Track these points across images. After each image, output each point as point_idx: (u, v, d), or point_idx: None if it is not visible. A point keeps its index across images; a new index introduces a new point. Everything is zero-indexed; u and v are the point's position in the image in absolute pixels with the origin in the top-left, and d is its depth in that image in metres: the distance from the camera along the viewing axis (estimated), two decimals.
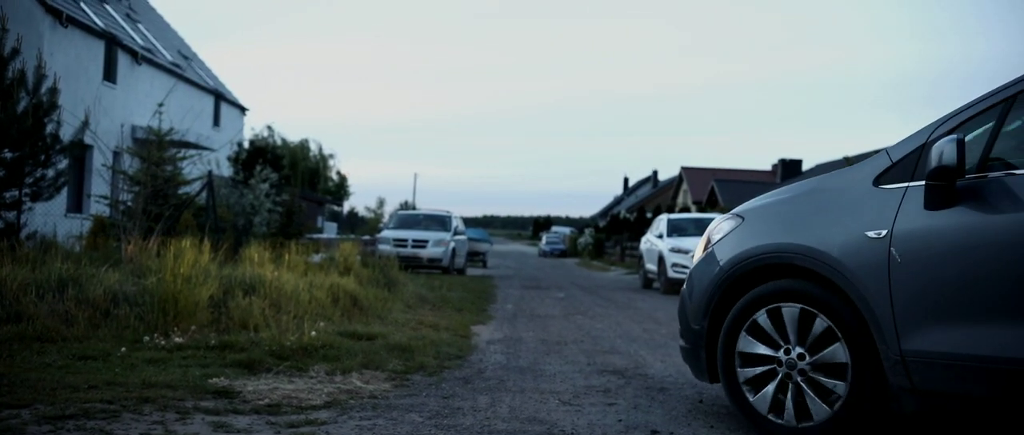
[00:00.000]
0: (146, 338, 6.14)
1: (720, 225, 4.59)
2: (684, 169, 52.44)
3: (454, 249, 21.71)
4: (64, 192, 13.30)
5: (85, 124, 11.97)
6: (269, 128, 58.91)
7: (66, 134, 12.01)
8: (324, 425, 4.04)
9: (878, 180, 3.78)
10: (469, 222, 32.71)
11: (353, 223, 70.95)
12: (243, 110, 34.52)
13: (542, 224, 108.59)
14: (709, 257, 4.46)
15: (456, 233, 22.64)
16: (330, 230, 44.45)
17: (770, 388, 3.96)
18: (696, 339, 4.42)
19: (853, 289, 3.65)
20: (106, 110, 18.00)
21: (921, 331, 3.44)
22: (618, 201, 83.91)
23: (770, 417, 3.95)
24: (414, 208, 48.61)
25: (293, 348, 5.95)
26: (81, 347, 5.77)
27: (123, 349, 5.76)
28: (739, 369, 4.11)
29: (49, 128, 11.45)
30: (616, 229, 47.42)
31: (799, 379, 3.85)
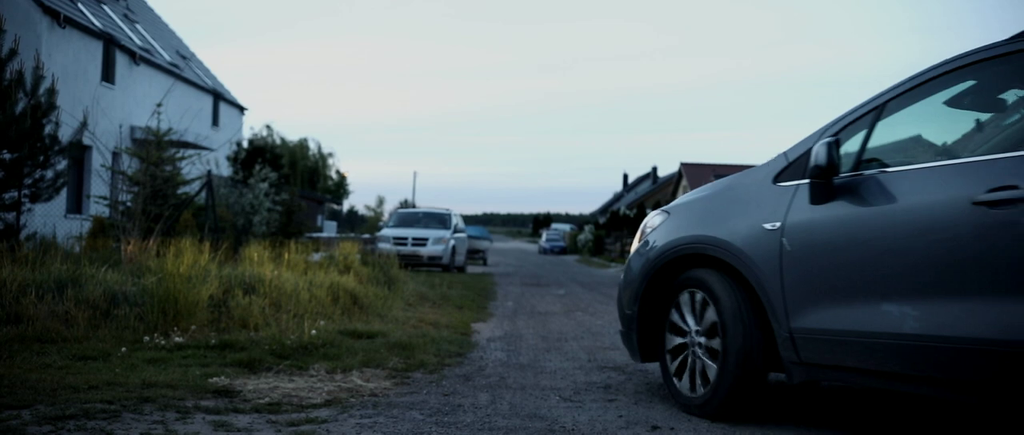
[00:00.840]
0: (146, 338, 6.14)
1: (652, 219, 5.08)
2: (683, 165, 52.46)
3: (454, 247, 21.71)
4: (63, 193, 13.30)
5: (84, 125, 11.97)
6: (268, 127, 58.95)
7: (65, 135, 12.01)
8: (325, 423, 4.04)
9: (776, 178, 4.24)
10: (469, 220, 32.73)
11: (353, 222, 70.98)
12: (242, 110, 34.50)
13: (542, 221, 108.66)
14: (641, 248, 4.97)
15: (456, 231, 22.64)
16: (330, 229, 44.44)
17: (679, 362, 4.60)
18: (629, 322, 4.94)
19: (752, 275, 4.11)
20: (104, 111, 17.99)
21: (805, 311, 3.90)
22: (618, 198, 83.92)
23: (676, 383, 4.60)
24: (414, 206, 48.59)
25: (293, 347, 5.95)
26: (81, 347, 5.77)
27: (123, 349, 5.76)
28: (667, 349, 4.72)
29: (48, 129, 11.44)
30: (616, 226, 47.44)
31: (698, 356, 4.45)
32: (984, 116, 3.87)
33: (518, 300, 12.62)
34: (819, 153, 3.83)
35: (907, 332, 3.47)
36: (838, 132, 4.02)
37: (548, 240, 55.17)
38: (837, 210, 3.83)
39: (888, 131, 3.94)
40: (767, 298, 4.05)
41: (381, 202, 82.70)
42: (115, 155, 14.05)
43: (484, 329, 8.41)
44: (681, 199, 5.00)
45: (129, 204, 11.42)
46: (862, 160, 3.87)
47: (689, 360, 4.50)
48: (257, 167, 18.65)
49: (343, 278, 9.73)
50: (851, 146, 3.97)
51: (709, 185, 4.81)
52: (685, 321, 4.56)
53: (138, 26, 27.84)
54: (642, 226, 5.17)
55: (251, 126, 60.87)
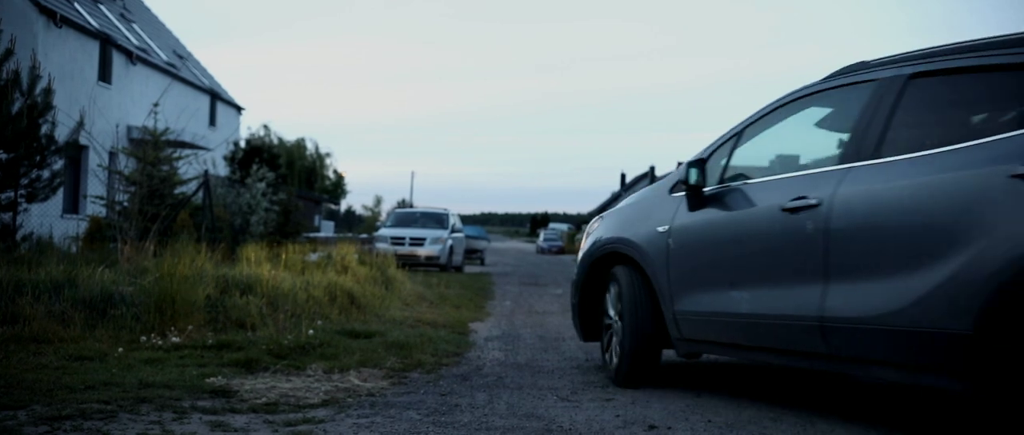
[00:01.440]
0: (143, 338, 6.13)
1: (592, 224, 5.99)
2: (680, 165, 52.45)
3: (452, 247, 21.70)
4: (60, 193, 13.27)
5: (80, 124, 11.95)
6: (265, 127, 58.74)
7: (61, 135, 11.99)
8: (322, 423, 4.03)
9: (671, 190, 5.14)
10: (466, 219, 32.72)
11: (350, 222, 70.95)
12: (239, 109, 34.47)
13: (540, 221, 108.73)
14: (583, 248, 5.89)
15: (453, 230, 22.63)
16: (327, 229, 44.41)
17: (606, 340, 5.61)
18: (574, 309, 5.94)
19: (649, 269, 5.07)
20: (101, 110, 17.95)
21: (683, 297, 4.87)
22: (616, 197, 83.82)
23: (605, 357, 5.62)
24: (411, 206, 48.58)
25: (290, 347, 5.95)
26: (77, 348, 5.76)
27: (120, 349, 5.75)
28: (603, 329, 5.69)
29: (44, 129, 11.43)
30: None
31: (615, 335, 5.40)
32: (811, 138, 4.90)
33: (516, 299, 12.62)
34: (685, 172, 4.87)
35: (743, 312, 4.47)
36: (711, 153, 4.95)
37: (546, 240, 55.17)
38: (705, 216, 4.81)
39: (745, 151, 4.89)
40: (659, 287, 5.02)
41: (379, 202, 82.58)
42: (112, 155, 14.03)
43: (482, 329, 8.40)
44: (615, 206, 5.87)
45: (126, 204, 11.40)
46: (724, 176, 4.82)
47: (611, 338, 5.48)
48: (254, 167, 18.62)
49: (340, 278, 9.72)
50: (720, 163, 4.88)
51: (635, 194, 5.69)
52: (609, 307, 5.52)
53: (135, 26, 27.80)
54: (586, 229, 6.05)
55: (248, 126, 60.87)
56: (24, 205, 11.65)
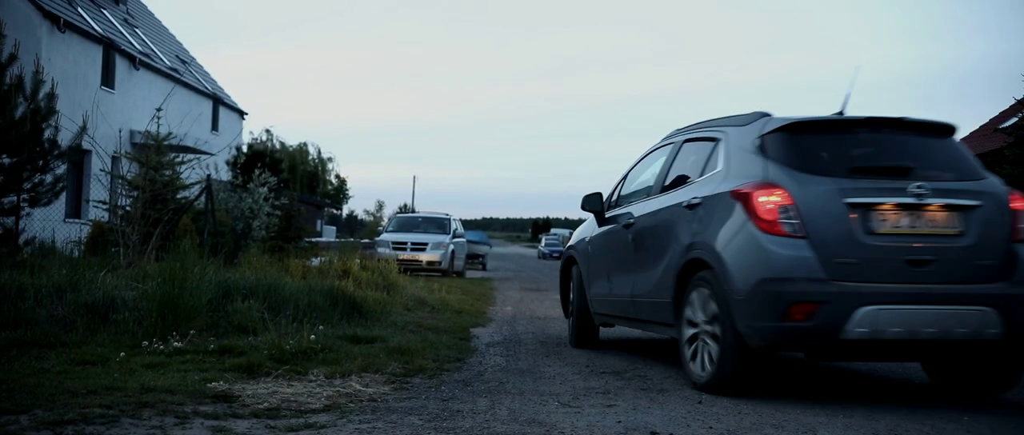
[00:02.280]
0: (145, 343, 6.13)
1: (572, 235, 8.39)
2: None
3: (453, 252, 21.69)
4: (62, 197, 13.29)
5: (83, 129, 11.96)
6: (268, 132, 58.86)
7: (64, 139, 12.01)
8: (323, 429, 4.03)
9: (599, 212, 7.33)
10: (468, 224, 32.69)
11: (352, 226, 70.93)
12: (242, 114, 34.51)
13: (541, 226, 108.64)
14: (564, 249, 8.29)
15: (455, 235, 22.61)
16: (329, 233, 44.40)
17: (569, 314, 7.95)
18: (561, 294, 8.48)
19: (581, 266, 7.54)
20: (104, 115, 17.97)
21: (592, 285, 7.28)
22: None
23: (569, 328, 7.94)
24: (413, 211, 48.56)
25: (292, 352, 5.95)
26: (80, 352, 5.76)
27: (122, 354, 5.75)
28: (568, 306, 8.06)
29: (47, 133, 11.44)
30: None
31: (570, 311, 7.84)
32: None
33: (517, 305, 12.62)
34: (586, 200, 7.25)
35: (617, 292, 6.70)
36: (613, 188, 7.28)
37: (547, 245, 55.11)
38: (602, 230, 7.17)
39: (628, 185, 7.09)
40: (584, 278, 7.45)
41: (381, 206, 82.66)
42: (114, 159, 14.05)
43: (483, 334, 8.41)
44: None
45: (128, 208, 11.40)
46: (615, 203, 7.11)
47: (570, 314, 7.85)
48: (257, 172, 18.58)
49: (342, 283, 9.73)
50: (617, 193, 7.18)
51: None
52: (571, 292, 7.81)
53: (138, 31, 27.85)
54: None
55: (251, 130, 60.73)
56: (27, 209, 11.66)
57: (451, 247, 21.52)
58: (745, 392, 5.15)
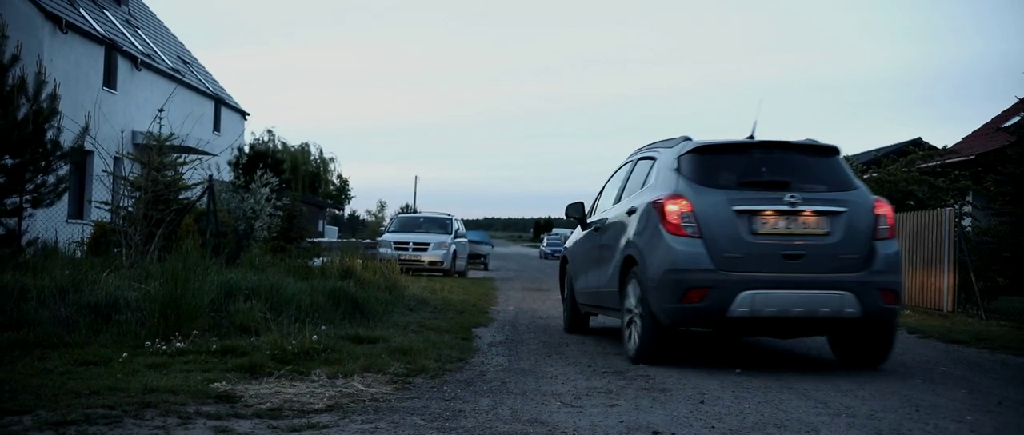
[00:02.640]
0: (147, 343, 6.14)
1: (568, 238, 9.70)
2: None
3: (455, 252, 21.68)
4: (65, 198, 13.29)
5: (85, 130, 11.96)
6: (270, 132, 58.79)
7: (66, 140, 12.01)
8: (326, 429, 4.04)
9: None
10: (470, 224, 32.66)
11: (354, 226, 70.90)
12: (243, 115, 34.51)
13: (543, 226, 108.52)
14: (563, 249, 9.65)
15: (457, 236, 22.60)
16: (331, 234, 44.39)
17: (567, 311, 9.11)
18: (560, 286, 9.59)
19: (569, 263, 8.85)
20: (106, 116, 17.99)
21: (576, 280, 8.52)
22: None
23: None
24: (415, 211, 48.55)
25: (295, 352, 5.95)
26: (82, 353, 5.77)
27: (124, 354, 5.76)
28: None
29: (49, 134, 11.44)
30: None
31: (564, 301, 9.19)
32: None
33: (519, 305, 12.62)
34: (570, 208, 8.55)
35: (590, 286, 7.86)
36: (595, 197, 8.60)
37: (549, 245, 55.06)
38: (583, 234, 8.43)
39: (603, 195, 8.33)
40: (572, 274, 8.73)
41: (382, 207, 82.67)
42: (116, 160, 14.03)
43: (485, 334, 8.41)
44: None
45: (131, 209, 11.40)
46: (593, 210, 8.47)
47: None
48: (258, 172, 18.58)
49: (344, 283, 9.73)
50: (596, 202, 8.52)
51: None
52: (565, 286, 9.09)
53: (140, 32, 27.87)
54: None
55: (252, 131, 60.72)
56: (29, 210, 11.66)
57: (453, 247, 21.51)
58: (660, 361, 6.35)
